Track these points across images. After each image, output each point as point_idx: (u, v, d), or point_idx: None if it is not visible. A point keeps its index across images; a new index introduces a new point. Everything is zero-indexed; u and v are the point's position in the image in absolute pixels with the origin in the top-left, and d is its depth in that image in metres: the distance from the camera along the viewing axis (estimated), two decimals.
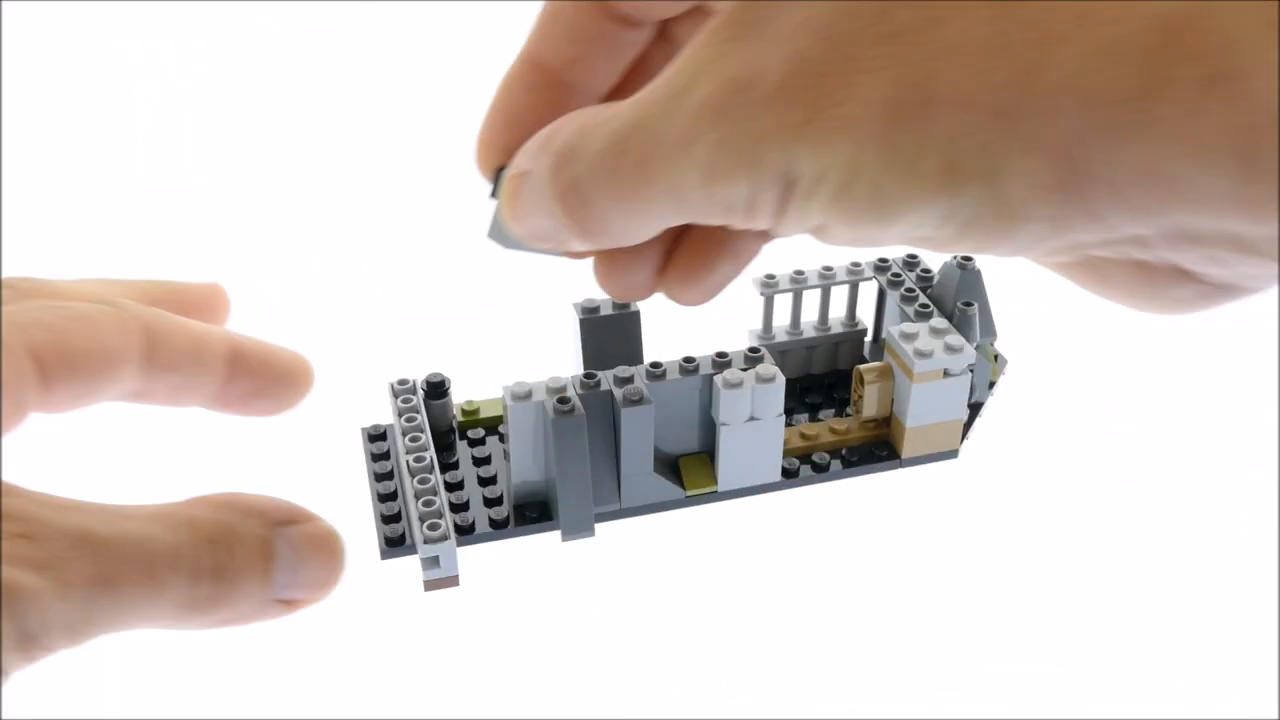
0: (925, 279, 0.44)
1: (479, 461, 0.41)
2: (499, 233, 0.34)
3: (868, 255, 0.45)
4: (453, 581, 0.37)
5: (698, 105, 0.27)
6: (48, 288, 0.36)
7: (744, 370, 0.38)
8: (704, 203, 0.28)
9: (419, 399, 0.40)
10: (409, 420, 0.39)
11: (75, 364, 0.33)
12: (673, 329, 0.44)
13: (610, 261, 0.34)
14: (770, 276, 0.45)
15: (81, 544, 0.29)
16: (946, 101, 0.24)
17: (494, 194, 0.34)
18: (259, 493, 0.34)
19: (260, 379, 0.37)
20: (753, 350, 0.39)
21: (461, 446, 0.41)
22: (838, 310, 0.46)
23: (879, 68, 0.25)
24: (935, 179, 0.25)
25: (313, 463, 0.42)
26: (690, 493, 0.39)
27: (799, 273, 0.45)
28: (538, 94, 0.35)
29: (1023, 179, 0.24)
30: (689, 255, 0.34)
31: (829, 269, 0.45)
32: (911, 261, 0.45)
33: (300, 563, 0.33)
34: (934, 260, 0.45)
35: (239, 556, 0.31)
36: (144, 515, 0.31)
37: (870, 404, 0.41)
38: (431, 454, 0.38)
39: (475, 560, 0.38)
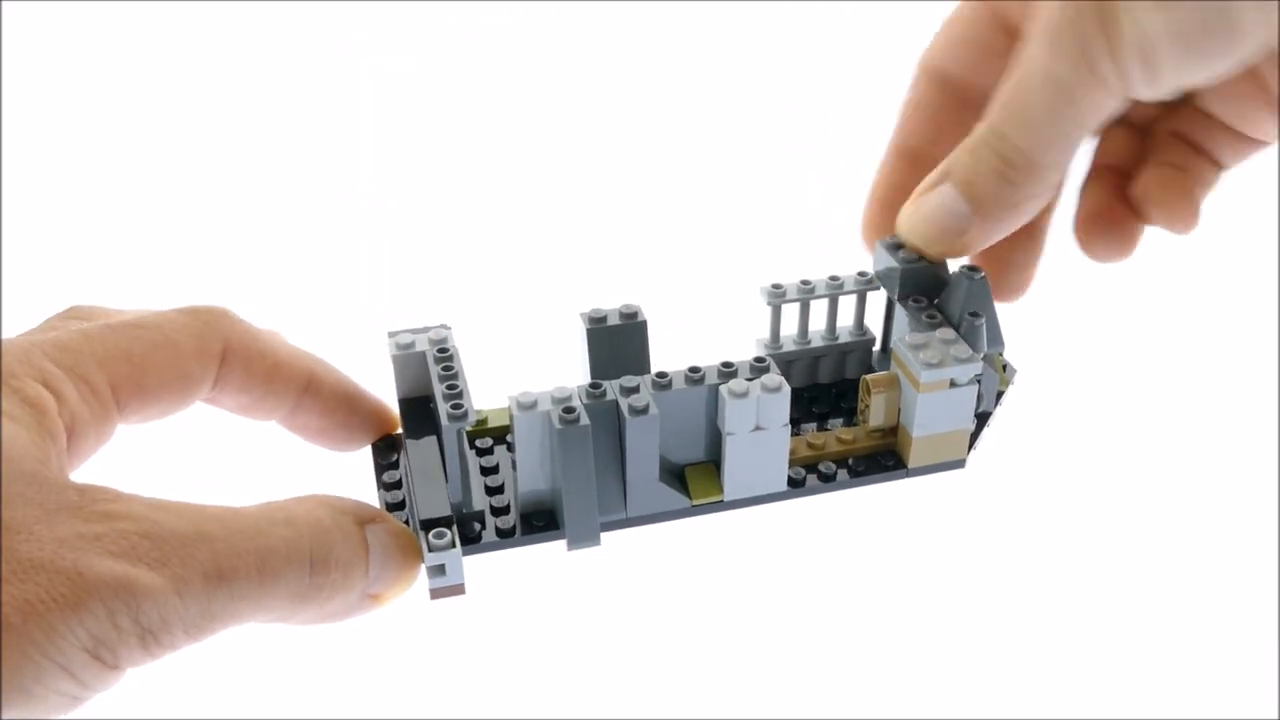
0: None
1: (486, 471, 0.41)
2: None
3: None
4: (459, 590, 0.37)
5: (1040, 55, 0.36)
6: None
7: (749, 380, 0.38)
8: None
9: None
10: None
11: (149, 395, 0.35)
12: (679, 339, 0.44)
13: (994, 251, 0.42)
14: (778, 286, 0.45)
15: (196, 542, 0.30)
16: None
17: (895, 252, 0.42)
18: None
19: (327, 416, 0.40)
20: (758, 360, 0.39)
21: (470, 456, 0.41)
22: (846, 320, 0.46)
23: None
24: None
25: (321, 471, 0.43)
26: (696, 502, 0.39)
27: (806, 282, 0.45)
28: (906, 179, 0.43)
29: None
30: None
31: (836, 278, 0.45)
32: None
33: (387, 557, 0.35)
34: None
35: (343, 549, 0.33)
36: (250, 513, 0.32)
37: (877, 413, 0.41)
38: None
39: (481, 569, 0.38)
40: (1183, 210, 0.43)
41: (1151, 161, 0.43)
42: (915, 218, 0.41)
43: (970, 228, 0.40)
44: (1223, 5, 0.34)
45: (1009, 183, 0.38)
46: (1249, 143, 0.42)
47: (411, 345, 0.40)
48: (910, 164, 0.44)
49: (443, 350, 0.39)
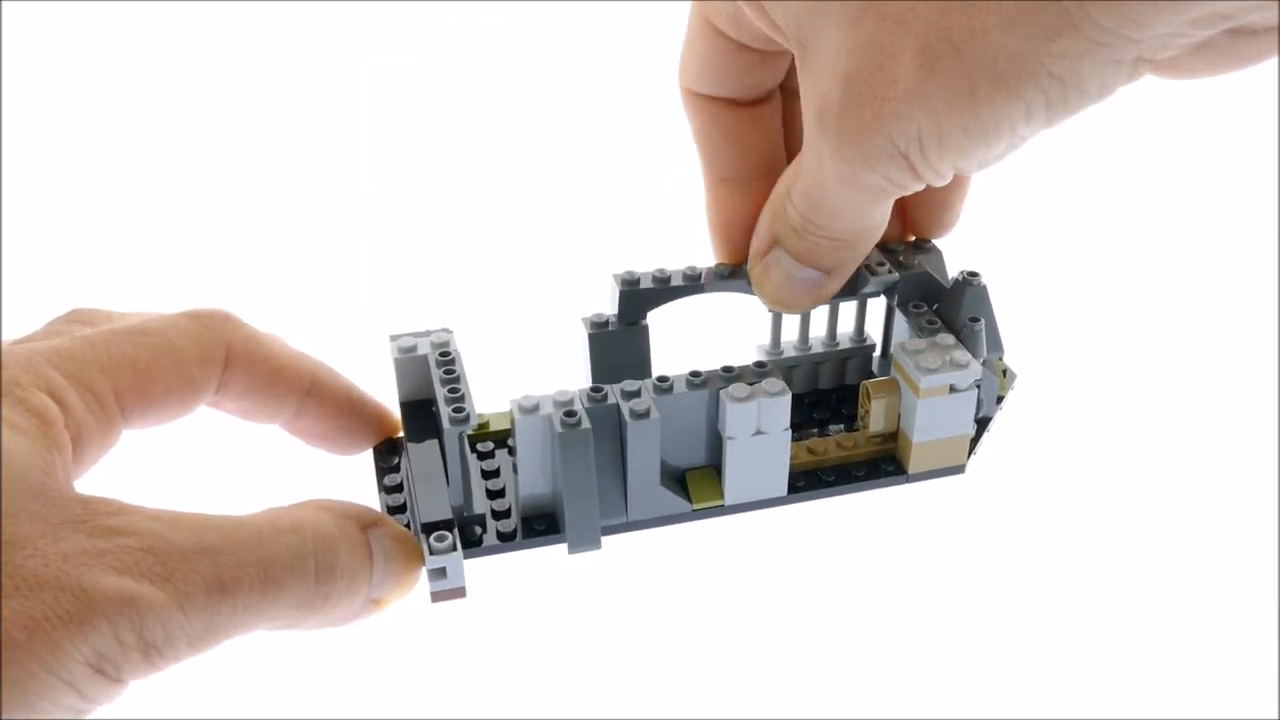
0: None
1: (487, 474, 0.41)
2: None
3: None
4: (460, 593, 0.37)
5: (825, 153, 0.34)
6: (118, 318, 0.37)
7: (751, 385, 0.38)
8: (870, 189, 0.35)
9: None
10: None
11: (153, 401, 0.35)
12: (680, 343, 0.44)
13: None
14: None
15: (199, 555, 0.30)
16: (969, 38, 0.30)
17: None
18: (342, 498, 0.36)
19: (329, 420, 0.40)
20: (759, 365, 0.39)
21: (471, 459, 0.41)
22: (846, 326, 0.46)
23: (904, 44, 0.31)
24: (995, 94, 0.30)
25: (323, 475, 0.43)
26: (697, 506, 0.39)
27: None
28: (736, 205, 0.42)
29: (1067, 48, 0.29)
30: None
31: None
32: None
33: (389, 562, 0.35)
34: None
35: (348, 556, 0.34)
36: (254, 522, 0.32)
37: (877, 419, 0.41)
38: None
39: (482, 572, 0.38)
40: (946, 225, 0.44)
41: None
42: (772, 290, 0.40)
43: (826, 282, 0.40)
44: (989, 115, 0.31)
45: (846, 247, 0.38)
46: None
47: (413, 349, 0.41)
48: (732, 190, 0.43)
49: (444, 354, 0.40)
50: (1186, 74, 0.31)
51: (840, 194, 0.36)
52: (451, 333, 0.41)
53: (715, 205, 0.43)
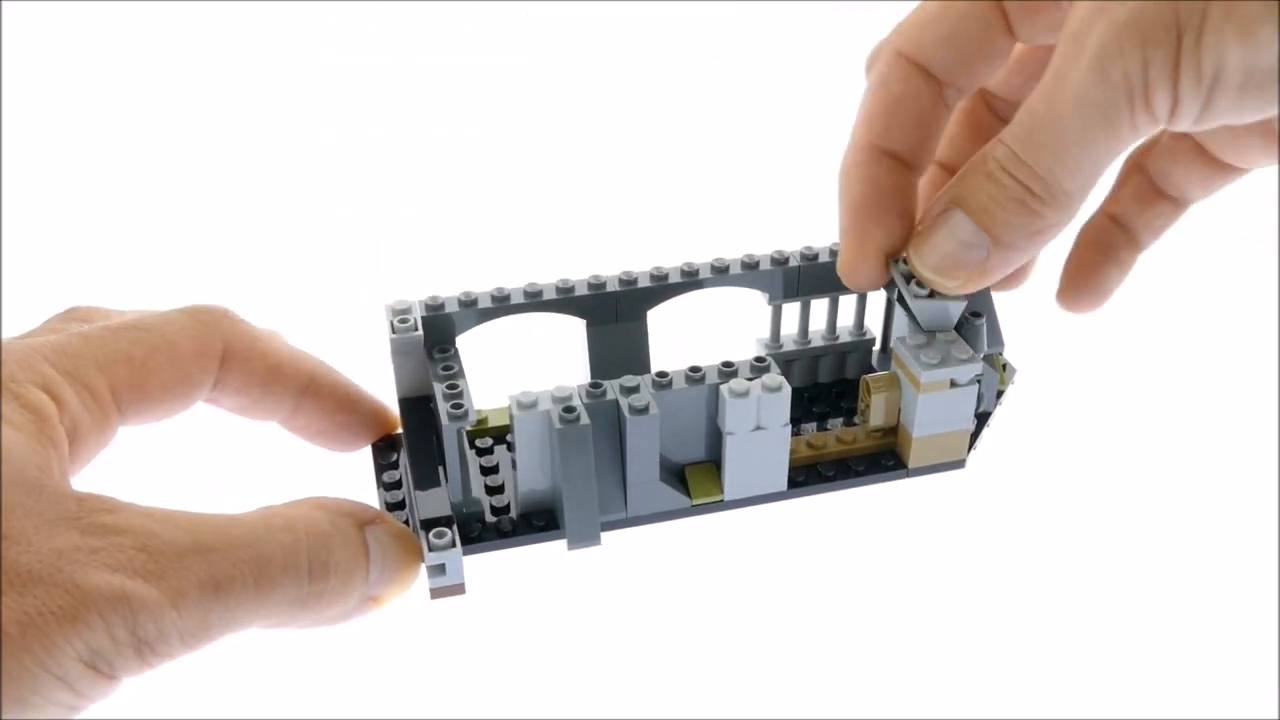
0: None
1: (486, 470, 0.41)
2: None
3: None
4: (459, 589, 0.37)
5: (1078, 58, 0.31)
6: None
7: (750, 380, 0.38)
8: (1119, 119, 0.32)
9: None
10: None
11: (149, 397, 0.35)
12: (679, 339, 0.44)
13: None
14: None
15: (192, 553, 0.30)
16: None
17: (907, 280, 0.39)
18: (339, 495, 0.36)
19: (326, 417, 0.40)
20: (759, 360, 0.39)
21: (470, 455, 0.41)
22: (846, 320, 0.46)
23: None
24: None
25: (321, 472, 0.43)
26: (696, 502, 0.39)
27: None
28: (894, 179, 0.38)
29: None
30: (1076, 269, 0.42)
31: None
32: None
33: (387, 559, 0.35)
34: None
35: (343, 554, 0.33)
36: (248, 520, 0.32)
37: (877, 413, 0.41)
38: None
39: (481, 568, 0.38)
40: (1091, 302, 0.42)
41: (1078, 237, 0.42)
42: (926, 250, 0.37)
43: (988, 260, 0.36)
44: None
45: (1031, 212, 0.35)
46: (1224, 171, 0.40)
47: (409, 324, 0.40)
48: (894, 169, 0.38)
49: (443, 350, 0.40)
50: None
51: (1079, 125, 0.32)
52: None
53: (866, 181, 0.38)
